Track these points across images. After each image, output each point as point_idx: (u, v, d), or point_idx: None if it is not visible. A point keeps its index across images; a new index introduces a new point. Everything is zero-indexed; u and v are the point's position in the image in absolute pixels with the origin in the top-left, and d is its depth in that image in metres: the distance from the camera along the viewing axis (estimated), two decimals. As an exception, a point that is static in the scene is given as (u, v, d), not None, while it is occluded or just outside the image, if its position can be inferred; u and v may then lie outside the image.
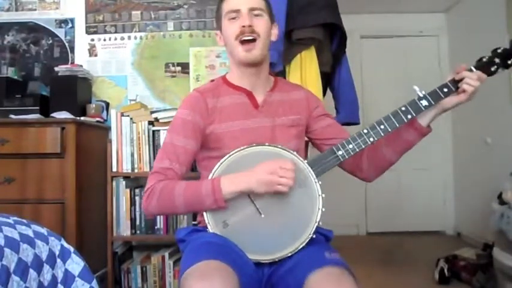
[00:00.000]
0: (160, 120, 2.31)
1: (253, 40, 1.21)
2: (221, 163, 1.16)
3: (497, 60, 1.19)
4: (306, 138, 1.38)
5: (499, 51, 1.20)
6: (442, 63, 4.41)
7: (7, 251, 0.94)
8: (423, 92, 1.19)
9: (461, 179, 4.23)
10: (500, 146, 3.43)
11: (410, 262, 3.23)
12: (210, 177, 1.16)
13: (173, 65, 2.62)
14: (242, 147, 1.17)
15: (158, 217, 2.29)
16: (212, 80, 1.35)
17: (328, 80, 2.28)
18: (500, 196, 2.30)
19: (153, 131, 2.30)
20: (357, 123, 2.31)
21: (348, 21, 2.35)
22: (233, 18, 1.22)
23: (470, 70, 1.18)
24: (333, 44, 2.24)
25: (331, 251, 1.13)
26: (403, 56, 4.43)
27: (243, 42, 1.20)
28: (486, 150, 3.61)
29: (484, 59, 1.20)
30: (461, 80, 1.17)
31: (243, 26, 1.19)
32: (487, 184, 3.15)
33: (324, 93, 2.25)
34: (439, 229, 4.36)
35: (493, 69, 1.20)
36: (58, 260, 1.09)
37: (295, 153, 1.17)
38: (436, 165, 4.33)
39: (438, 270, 2.71)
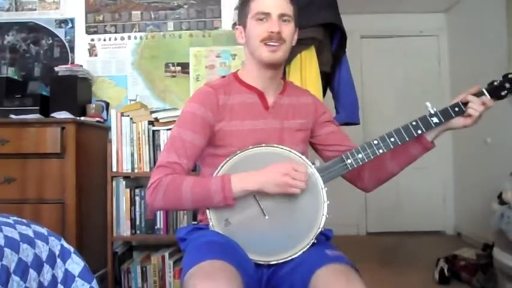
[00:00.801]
0: (160, 120, 2.31)
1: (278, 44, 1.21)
2: (227, 161, 1.16)
3: (507, 85, 1.22)
4: None
5: (510, 76, 1.23)
6: (442, 63, 4.41)
7: (7, 251, 0.94)
8: (435, 109, 1.21)
9: (461, 179, 4.23)
10: (500, 146, 3.43)
11: (410, 262, 3.23)
12: (215, 174, 1.15)
13: (173, 65, 2.62)
14: (250, 147, 1.17)
15: (158, 217, 2.29)
16: (223, 76, 1.34)
17: (328, 80, 2.28)
18: (500, 196, 2.30)
19: (153, 131, 2.30)
20: (357, 124, 2.31)
21: (348, 21, 2.35)
22: (261, 20, 1.20)
23: (482, 93, 1.20)
24: (333, 44, 2.24)
25: (332, 249, 1.14)
26: (403, 56, 4.43)
27: (267, 44, 1.20)
28: (486, 150, 3.61)
29: (496, 83, 1.23)
30: (467, 103, 1.19)
31: (271, 32, 1.19)
32: (487, 184, 3.15)
33: (324, 93, 2.25)
34: (439, 229, 4.37)
35: (503, 93, 1.23)
36: (58, 260, 1.09)
37: (303, 157, 1.17)
38: (436, 165, 4.33)
39: (438, 270, 2.71)
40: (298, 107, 1.31)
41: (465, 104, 1.20)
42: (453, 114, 1.20)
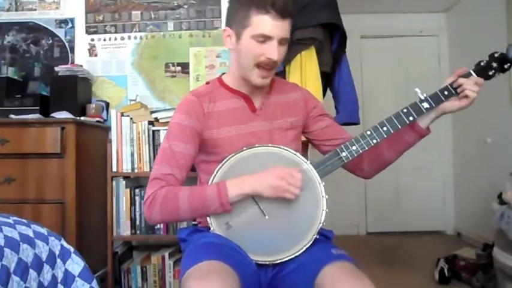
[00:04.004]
0: (160, 120, 2.31)
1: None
2: (223, 164, 1.16)
3: (494, 64, 1.21)
4: (304, 138, 1.38)
5: (496, 55, 1.22)
6: (442, 63, 4.41)
7: (7, 251, 0.94)
8: (424, 95, 1.21)
9: (461, 179, 4.23)
10: (500, 146, 3.43)
11: (410, 262, 3.23)
12: (210, 179, 1.15)
13: (173, 65, 2.62)
14: (244, 148, 1.16)
15: (158, 217, 2.29)
16: (208, 82, 1.32)
17: (328, 80, 2.28)
18: (500, 196, 2.29)
19: (153, 131, 2.30)
20: (357, 123, 2.31)
21: (348, 21, 2.36)
22: (261, 41, 1.13)
23: (470, 74, 1.20)
24: (333, 44, 2.24)
25: (337, 248, 1.14)
26: (403, 56, 4.43)
27: (260, 67, 1.17)
28: (486, 150, 3.61)
29: (482, 63, 1.22)
30: (459, 86, 1.18)
31: (269, 58, 1.14)
32: (487, 184, 3.16)
33: (324, 93, 2.25)
34: (439, 229, 4.36)
35: (490, 73, 1.22)
36: (58, 260, 1.09)
37: (298, 154, 1.17)
38: (436, 165, 4.33)
39: (438, 270, 2.71)
40: (287, 105, 1.30)
41: (455, 88, 1.19)
42: (443, 98, 1.19)
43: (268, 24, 1.12)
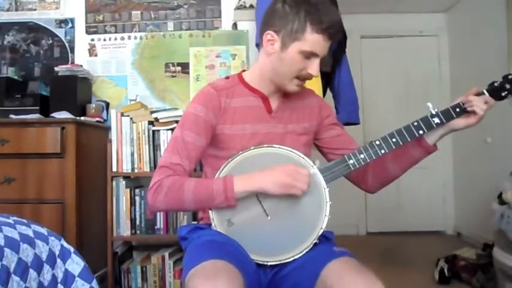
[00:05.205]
0: (160, 120, 2.31)
1: None
2: (229, 161, 1.16)
3: (507, 86, 1.22)
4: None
5: (510, 77, 1.23)
6: (442, 63, 4.41)
7: (7, 251, 0.94)
8: (436, 110, 1.21)
9: (461, 179, 4.23)
10: (500, 146, 3.43)
11: (410, 262, 3.23)
12: (217, 175, 1.15)
13: (173, 65, 2.62)
14: (252, 147, 1.17)
15: (158, 217, 2.29)
16: (227, 77, 1.31)
17: (328, 80, 2.28)
18: (500, 196, 2.29)
19: (153, 131, 2.30)
20: (357, 124, 2.31)
21: (348, 21, 2.34)
22: (306, 57, 1.17)
23: (482, 93, 1.21)
24: (333, 44, 2.24)
25: (337, 247, 1.15)
26: (403, 56, 4.43)
27: (298, 78, 1.21)
28: (486, 150, 3.61)
29: (496, 84, 1.23)
30: (469, 102, 1.19)
31: (310, 74, 1.19)
32: (487, 184, 3.15)
33: (324, 93, 2.25)
34: (439, 229, 4.36)
35: (503, 94, 1.23)
36: (58, 260, 1.09)
37: (306, 157, 1.17)
38: (436, 164, 4.32)
39: (438, 270, 2.71)
40: (302, 110, 1.31)
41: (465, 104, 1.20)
42: (454, 115, 1.20)
43: (319, 44, 1.17)
